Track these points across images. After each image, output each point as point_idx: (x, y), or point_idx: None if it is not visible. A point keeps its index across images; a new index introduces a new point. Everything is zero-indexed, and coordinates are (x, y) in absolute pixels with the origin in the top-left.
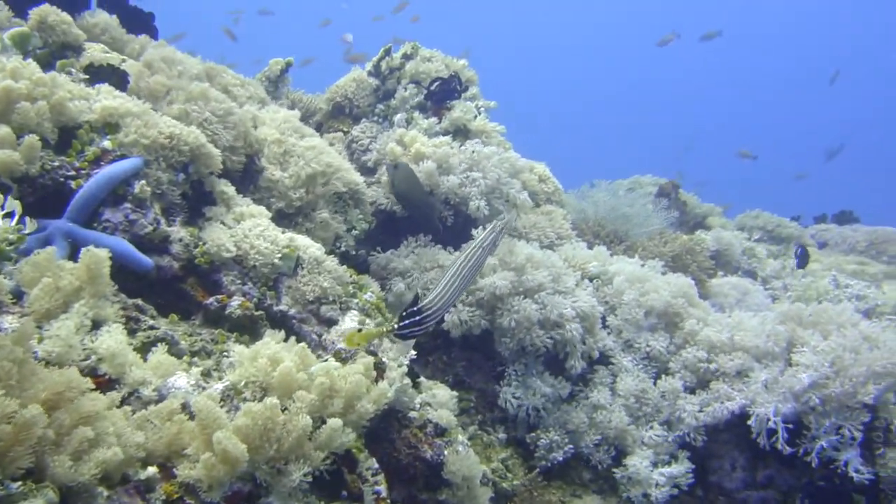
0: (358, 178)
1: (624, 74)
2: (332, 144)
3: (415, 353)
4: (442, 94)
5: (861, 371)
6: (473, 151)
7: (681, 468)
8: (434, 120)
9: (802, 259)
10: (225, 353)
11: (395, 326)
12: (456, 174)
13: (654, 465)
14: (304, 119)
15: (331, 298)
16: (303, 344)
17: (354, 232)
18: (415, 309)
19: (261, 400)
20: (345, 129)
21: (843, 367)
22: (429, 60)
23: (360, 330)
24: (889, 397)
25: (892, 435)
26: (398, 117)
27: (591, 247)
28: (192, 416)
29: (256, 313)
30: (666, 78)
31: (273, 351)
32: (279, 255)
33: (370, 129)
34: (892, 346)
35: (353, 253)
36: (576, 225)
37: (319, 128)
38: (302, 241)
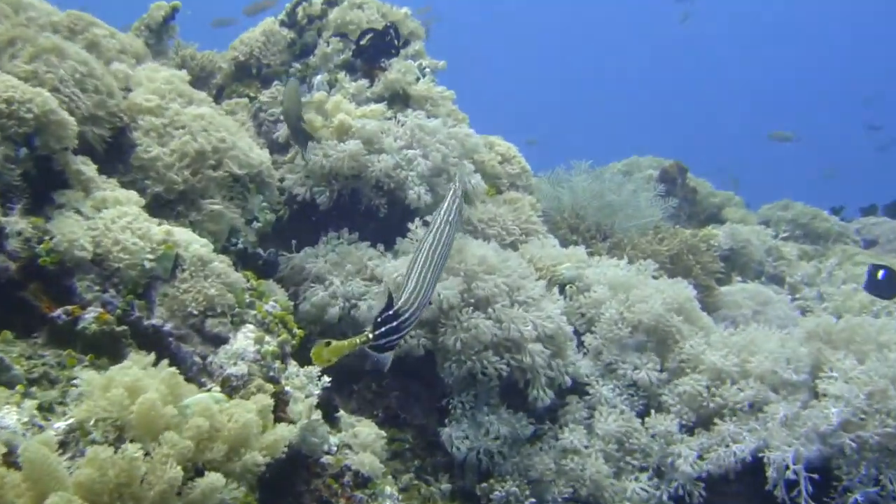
0: (262, 157)
1: (629, 41)
2: (232, 113)
3: (329, 379)
4: (375, 50)
5: None
6: (417, 126)
7: None
8: (364, 82)
9: (883, 286)
10: (74, 382)
11: (371, 336)
12: (391, 153)
13: None
14: (201, 81)
15: (219, 310)
16: (172, 368)
17: (256, 224)
18: (390, 313)
19: (114, 443)
20: (251, 94)
21: (884, 400)
22: (359, 7)
23: (328, 343)
24: None
25: None
26: (318, 79)
27: (566, 245)
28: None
29: (119, 329)
30: (678, 49)
31: (132, 378)
32: (151, 254)
33: (283, 92)
34: None
35: (255, 251)
36: (548, 216)
37: (220, 93)
38: (183, 235)
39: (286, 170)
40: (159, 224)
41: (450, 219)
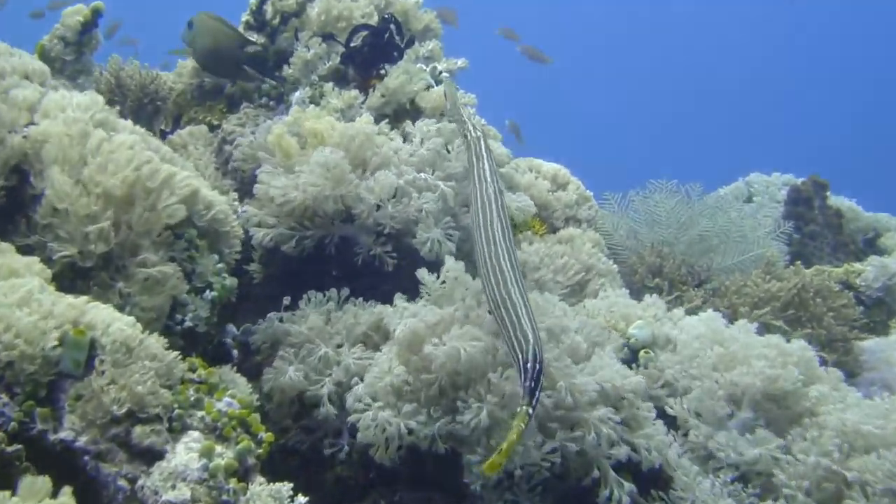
0: (213, 199)
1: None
2: (182, 147)
3: (304, 499)
4: (371, 52)
5: None
6: (427, 138)
7: None
8: (356, 94)
9: None
10: None
11: (531, 409)
12: (390, 169)
13: None
14: (148, 108)
15: (151, 412)
16: (66, 498)
17: (211, 294)
18: (539, 367)
19: None
20: (214, 121)
21: None
22: None
23: (499, 452)
24: None
25: None
26: (297, 95)
27: (645, 294)
28: None
29: (11, 449)
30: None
31: None
32: (56, 341)
33: (254, 117)
34: None
35: (211, 329)
36: (620, 256)
37: (178, 121)
38: (100, 313)
39: (251, 207)
40: (76, 297)
41: (498, 187)
